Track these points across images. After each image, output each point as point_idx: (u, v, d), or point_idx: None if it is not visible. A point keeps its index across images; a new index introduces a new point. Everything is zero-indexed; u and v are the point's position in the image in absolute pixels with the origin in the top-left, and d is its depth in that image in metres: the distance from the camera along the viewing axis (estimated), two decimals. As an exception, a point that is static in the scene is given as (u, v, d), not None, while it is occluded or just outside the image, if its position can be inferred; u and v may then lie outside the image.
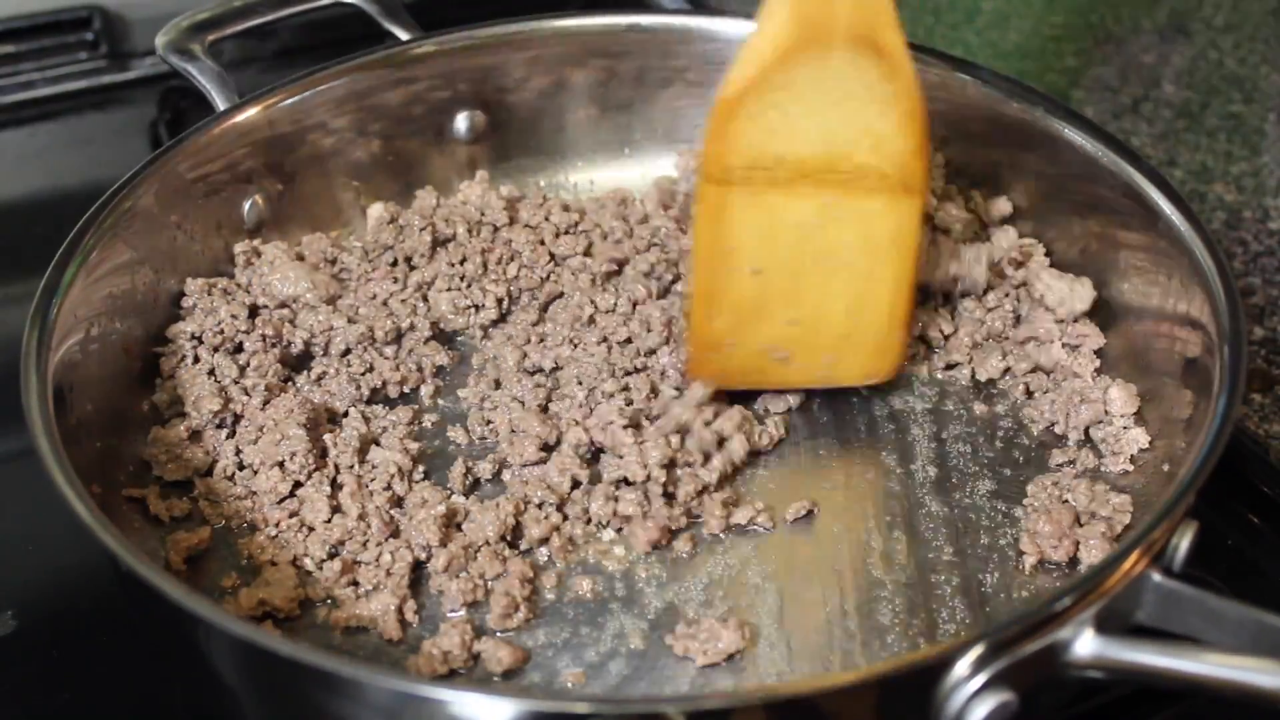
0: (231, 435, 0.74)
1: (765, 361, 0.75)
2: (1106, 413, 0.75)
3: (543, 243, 0.86)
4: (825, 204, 0.71)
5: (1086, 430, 0.75)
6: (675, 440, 0.72)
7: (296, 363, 0.79)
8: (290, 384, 0.78)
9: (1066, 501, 0.71)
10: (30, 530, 0.75)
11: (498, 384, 0.79)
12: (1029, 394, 0.78)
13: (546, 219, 0.88)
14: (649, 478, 0.71)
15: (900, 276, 0.73)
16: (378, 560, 0.68)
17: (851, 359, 0.76)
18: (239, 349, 0.78)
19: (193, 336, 0.78)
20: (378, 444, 0.74)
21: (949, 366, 0.80)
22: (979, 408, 0.78)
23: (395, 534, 0.70)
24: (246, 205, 0.84)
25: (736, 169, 0.70)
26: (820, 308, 0.74)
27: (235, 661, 0.60)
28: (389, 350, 0.79)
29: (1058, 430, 0.76)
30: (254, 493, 0.72)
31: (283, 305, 0.81)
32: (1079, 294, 0.79)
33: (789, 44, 0.67)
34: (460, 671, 0.64)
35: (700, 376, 0.75)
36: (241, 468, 0.73)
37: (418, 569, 0.69)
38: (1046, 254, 0.84)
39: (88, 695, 0.67)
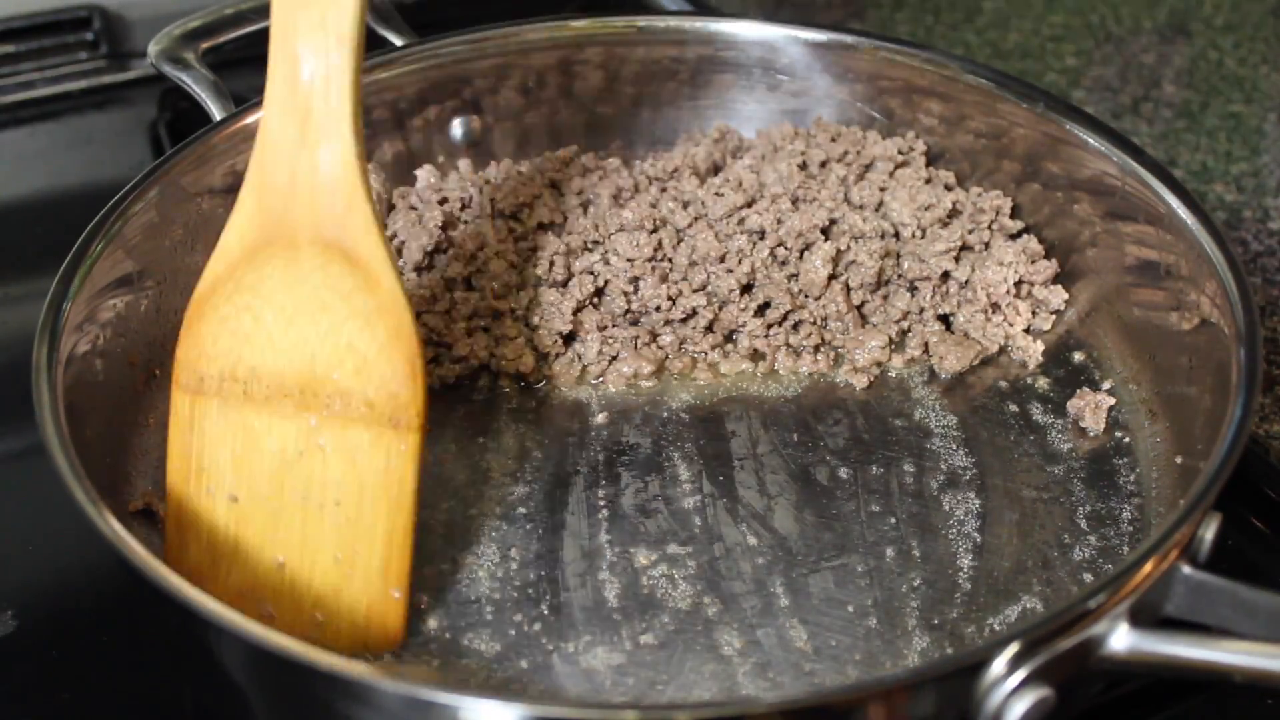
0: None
1: (248, 608, 0.63)
2: (1000, 265, 0.81)
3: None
4: (308, 429, 0.63)
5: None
6: None
7: None
8: None
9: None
10: (30, 530, 0.75)
11: None
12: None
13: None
14: None
15: (394, 527, 0.63)
16: None
17: (343, 620, 0.64)
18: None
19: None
20: None
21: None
22: (1009, 405, 0.79)
23: None
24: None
25: (209, 378, 0.64)
26: (306, 552, 0.64)
27: (248, 665, 0.59)
28: None
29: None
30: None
31: None
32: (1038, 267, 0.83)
33: (254, 240, 0.62)
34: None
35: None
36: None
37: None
38: (1048, 255, 0.84)
39: (88, 695, 0.67)
